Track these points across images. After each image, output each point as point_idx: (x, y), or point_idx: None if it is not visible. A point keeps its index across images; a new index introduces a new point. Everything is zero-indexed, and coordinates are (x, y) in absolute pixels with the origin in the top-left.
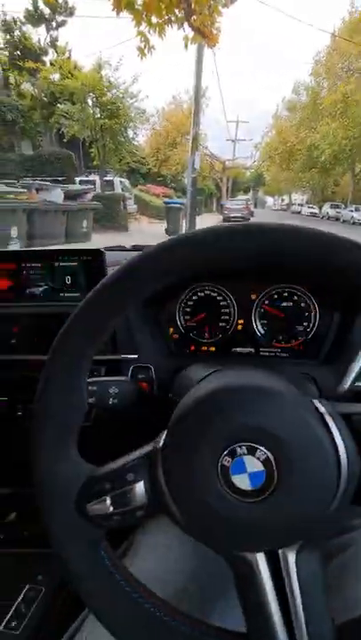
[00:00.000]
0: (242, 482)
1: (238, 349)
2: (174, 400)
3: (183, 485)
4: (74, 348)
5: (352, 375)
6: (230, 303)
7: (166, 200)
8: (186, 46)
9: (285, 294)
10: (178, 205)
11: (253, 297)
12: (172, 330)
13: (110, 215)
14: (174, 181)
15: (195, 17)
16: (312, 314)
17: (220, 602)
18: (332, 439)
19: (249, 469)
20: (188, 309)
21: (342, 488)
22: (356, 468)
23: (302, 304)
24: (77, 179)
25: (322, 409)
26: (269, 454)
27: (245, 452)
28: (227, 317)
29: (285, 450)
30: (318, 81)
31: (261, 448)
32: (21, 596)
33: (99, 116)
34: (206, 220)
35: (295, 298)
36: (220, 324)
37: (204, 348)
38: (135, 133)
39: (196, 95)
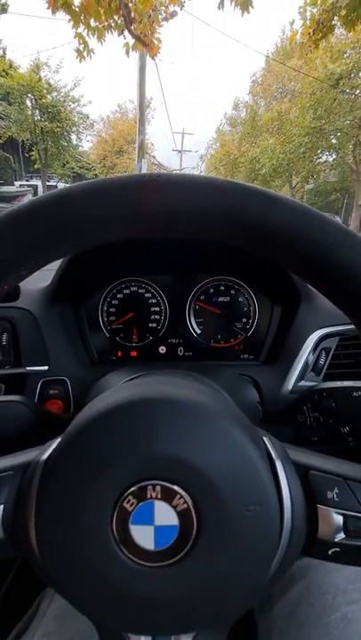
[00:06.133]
0: (144, 537)
1: (170, 352)
2: None
3: (59, 525)
4: None
5: (295, 374)
6: (160, 300)
7: None
8: (127, 53)
9: (222, 288)
10: None
11: (186, 292)
12: (93, 333)
13: None
14: None
15: (134, 25)
16: (251, 308)
17: None
18: (279, 490)
19: (157, 521)
20: (112, 309)
21: (280, 555)
22: (302, 525)
23: (240, 298)
24: (17, 183)
25: (273, 452)
26: (190, 502)
27: (159, 494)
28: (157, 317)
29: (215, 497)
30: (256, 99)
31: (181, 492)
32: None
33: (39, 118)
34: None
35: (232, 292)
36: (150, 325)
37: (134, 354)
38: (79, 139)
39: (140, 103)
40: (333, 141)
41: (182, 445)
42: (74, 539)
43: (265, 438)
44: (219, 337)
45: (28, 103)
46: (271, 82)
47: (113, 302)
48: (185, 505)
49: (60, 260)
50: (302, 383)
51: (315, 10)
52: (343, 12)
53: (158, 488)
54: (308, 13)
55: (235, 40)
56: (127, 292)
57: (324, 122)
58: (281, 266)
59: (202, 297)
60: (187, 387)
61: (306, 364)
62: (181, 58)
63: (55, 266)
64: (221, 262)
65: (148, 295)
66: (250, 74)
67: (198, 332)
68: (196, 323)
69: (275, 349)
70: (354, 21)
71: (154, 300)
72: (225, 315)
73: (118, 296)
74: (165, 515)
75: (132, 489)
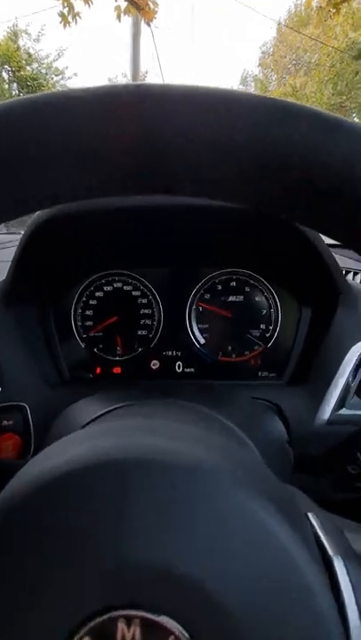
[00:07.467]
0: None
1: (165, 369)
2: None
3: None
4: None
5: (333, 399)
6: (153, 300)
7: None
8: (118, 17)
9: (233, 284)
10: None
11: (187, 289)
12: (64, 343)
13: None
14: None
15: None
16: (272, 312)
17: None
18: (342, 615)
19: None
20: (89, 312)
21: None
22: None
23: (257, 298)
24: None
25: (328, 543)
26: None
27: (137, 634)
28: (148, 322)
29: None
30: (266, 73)
31: (175, 630)
32: None
33: (17, 92)
34: None
35: (247, 289)
36: (139, 332)
37: (117, 370)
38: None
39: (133, 77)
40: (356, 119)
41: (176, 546)
42: None
43: (312, 517)
44: (229, 348)
45: (5, 75)
46: (284, 53)
47: (90, 303)
48: None
49: (16, 247)
50: (343, 412)
51: None
52: None
53: (136, 623)
54: None
55: (242, 4)
56: (109, 289)
57: (345, 98)
58: (337, 240)
59: (207, 296)
60: (186, 436)
61: (347, 385)
62: (181, 25)
63: (11, 256)
64: (232, 248)
65: (136, 293)
66: (259, 44)
67: (202, 341)
68: (200, 330)
69: (304, 366)
70: None
71: (144, 300)
72: (237, 319)
73: (97, 294)
74: None
75: (92, 624)
